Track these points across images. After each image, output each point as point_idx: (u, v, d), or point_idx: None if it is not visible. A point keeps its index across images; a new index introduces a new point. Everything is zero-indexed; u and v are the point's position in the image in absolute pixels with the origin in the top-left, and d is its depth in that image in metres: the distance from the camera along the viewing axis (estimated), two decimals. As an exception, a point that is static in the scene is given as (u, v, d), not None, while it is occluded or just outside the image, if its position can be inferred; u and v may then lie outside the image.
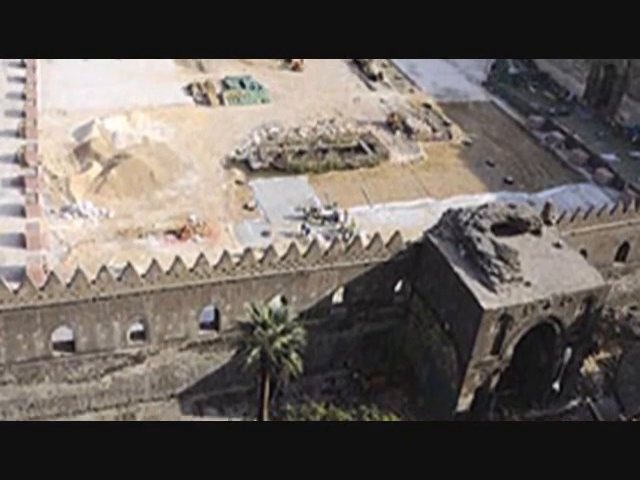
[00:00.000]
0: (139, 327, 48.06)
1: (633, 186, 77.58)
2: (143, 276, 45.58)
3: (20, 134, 72.89)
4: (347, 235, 64.73)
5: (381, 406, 49.72)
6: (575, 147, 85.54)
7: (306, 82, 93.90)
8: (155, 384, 50.23)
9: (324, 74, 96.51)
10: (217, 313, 49.35)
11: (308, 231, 65.31)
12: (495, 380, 50.27)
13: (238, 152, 76.17)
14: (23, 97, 79.13)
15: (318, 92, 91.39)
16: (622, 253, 61.16)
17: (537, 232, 52.10)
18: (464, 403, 50.17)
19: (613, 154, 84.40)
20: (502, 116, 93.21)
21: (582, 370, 56.41)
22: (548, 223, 53.33)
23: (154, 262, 45.81)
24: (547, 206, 54.53)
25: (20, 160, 68.91)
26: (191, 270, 46.54)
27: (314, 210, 68.47)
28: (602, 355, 59.51)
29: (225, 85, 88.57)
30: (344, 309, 52.97)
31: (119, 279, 45.10)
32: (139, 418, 49.77)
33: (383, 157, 78.97)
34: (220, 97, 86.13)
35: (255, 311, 45.69)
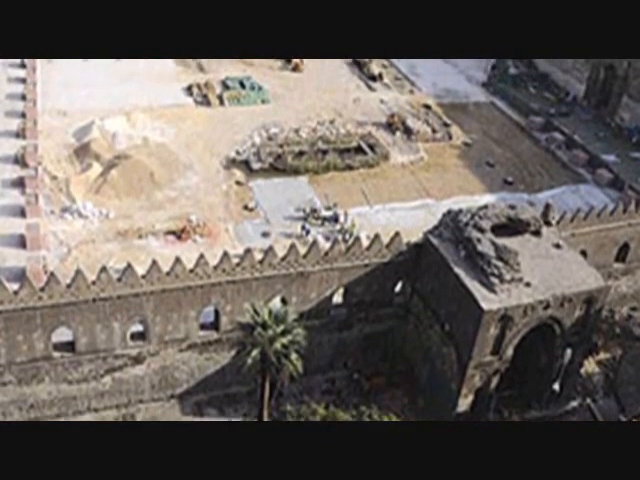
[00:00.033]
0: (139, 328, 48.05)
1: (633, 187, 77.60)
2: (143, 277, 45.58)
3: (20, 135, 72.91)
4: (347, 236, 64.73)
5: (381, 407, 49.69)
6: (575, 148, 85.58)
7: (306, 83, 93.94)
8: (155, 385, 50.23)
9: (324, 75, 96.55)
10: (217, 314, 49.35)
11: (308, 232, 65.31)
12: (495, 381, 50.27)
13: (238, 153, 76.19)
14: (23, 98, 79.16)
15: (318, 93, 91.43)
16: (622, 254, 61.17)
17: (537, 233, 52.10)
18: (464, 404, 50.16)
19: (613, 155, 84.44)
20: (502, 117, 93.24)
21: (582, 371, 56.41)
22: (548, 224, 53.33)
23: (154, 263, 45.80)
24: (547, 207, 54.53)
25: (20, 161, 68.92)
26: (191, 271, 46.53)
27: (314, 211, 68.48)
28: (602, 356, 59.51)
29: (225, 86, 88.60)
30: (344, 310, 52.96)
31: (119, 280, 45.10)
32: (139, 419, 49.77)
33: (383, 158, 78.98)
34: (220, 98, 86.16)
35: (255, 312, 45.69)
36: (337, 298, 52.44)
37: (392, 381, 54.73)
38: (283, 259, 48.62)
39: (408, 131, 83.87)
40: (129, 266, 45.35)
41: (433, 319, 51.51)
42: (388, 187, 75.10)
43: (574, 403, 55.28)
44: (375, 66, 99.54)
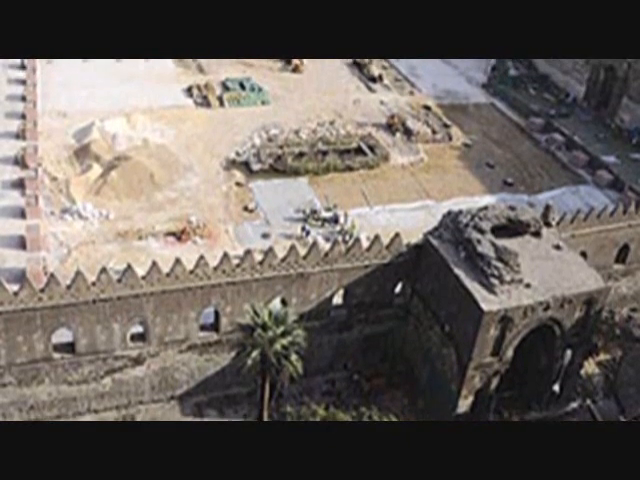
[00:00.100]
0: (139, 329, 48.04)
1: (633, 188, 77.63)
2: (143, 278, 45.56)
3: (20, 136, 72.94)
4: (347, 237, 64.75)
5: (381, 408, 49.64)
6: (575, 149, 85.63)
7: (306, 84, 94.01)
8: (155, 386, 50.20)
9: (324, 76, 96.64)
10: (217, 315, 49.34)
11: (308, 233, 65.31)
12: (495, 382, 50.24)
13: (238, 154, 76.22)
14: (23, 99, 79.22)
15: (318, 94, 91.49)
16: (622, 255, 61.16)
17: (537, 234, 52.08)
18: (464, 405, 50.14)
19: (613, 156, 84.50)
20: (502, 118, 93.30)
21: (582, 372, 56.37)
22: (548, 225, 53.32)
23: (154, 264, 45.79)
24: (547, 208, 54.51)
25: (20, 162, 68.93)
26: (191, 272, 46.52)
27: (314, 212, 68.48)
28: (602, 357, 59.47)
29: (225, 87, 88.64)
30: (344, 311, 52.95)
31: (119, 281, 45.09)
32: (139, 420, 49.71)
33: (383, 159, 79.01)
34: (220, 99, 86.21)
35: (255, 313, 45.69)
36: (337, 299, 52.43)
37: (392, 382, 54.71)
38: (283, 260, 48.61)
39: (408, 132, 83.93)
40: (129, 267, 45.34)
41: (433, 320, 51.50)
42: (388, 188, 75.12)
43: (574, 404, 55.26)
44: (375, 67, 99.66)
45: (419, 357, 53.54)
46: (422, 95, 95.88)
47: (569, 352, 51.61)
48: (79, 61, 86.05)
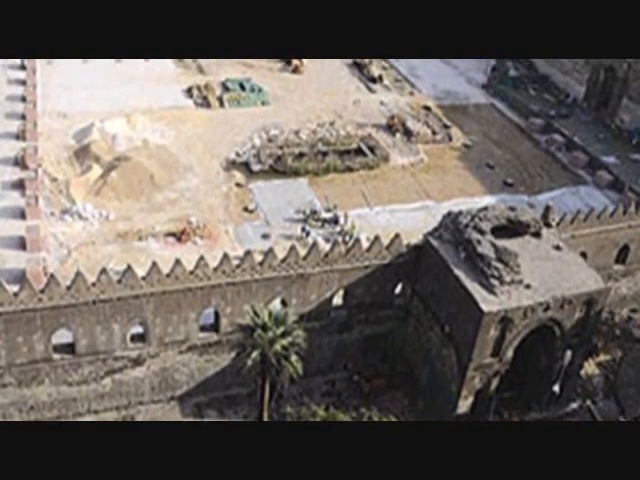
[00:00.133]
0: (139, 329, 48.03)
1: (633, 188, 77.65)
2: (143, 278, 45.57)
3: (20, 137, 72.96)
4: (347, 237, 64.74)
5: (381, 408, 49.64)
6: (575, 149, 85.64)
7: (306, 84, 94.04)
8: (155, 386, 50.21)
9: (324, 76, 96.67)
10: (217, 315, 49.34)
11: (308, 233, 65.32)
12: (495, 382, 50.24)
13: (238, 154, 76.23)
14: (23, 100, 79.22)
15: (318, 94, 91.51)
16: (622, 255, 61.17)
17: (537, 234, 52.09)
18: (464, 405, 50.14)
19: (613, 156, 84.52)
20: (502, 118, 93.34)
21: (582, 372, 56.37)
22: (548, 225, 53.33)
23: (154, 264, 45.79)
24: (547, 208, 54.52)
25: (20, 162, 68.93)
26: (191, 272, 46.52)
27: (314, 212, 68.48)
28: (602, 358, 59.48)
29: (225, 87, 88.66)
30: (344, 311, 52.96)
31: (119, 281, 45.10)
32: (139, 420, 49.70)
33: (383, 159, 79.02)
34: (220, 99, 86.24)
35: (255, 313, 45.70)
36: (337, 300, 52.43)
37: (392, 383, 54.71)
38: (283, 261, 48.62)
39: (408, 133, 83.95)
40: (129, 268, 45.35)
41: (433, 321, 51.50)
42: (388, 189, 75.13)
43: (574, 405, 55.27)
44: (375, 68, 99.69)
45: (419, 358, 53.54)
46: (422, 96, 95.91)
47: (569, 353, 51.60)
48: (79, 62, 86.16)
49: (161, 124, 79.74)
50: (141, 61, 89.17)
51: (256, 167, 74.47)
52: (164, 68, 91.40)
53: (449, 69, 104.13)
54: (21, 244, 59.07)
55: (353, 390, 54.18)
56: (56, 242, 60.90)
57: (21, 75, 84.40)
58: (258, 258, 49.08)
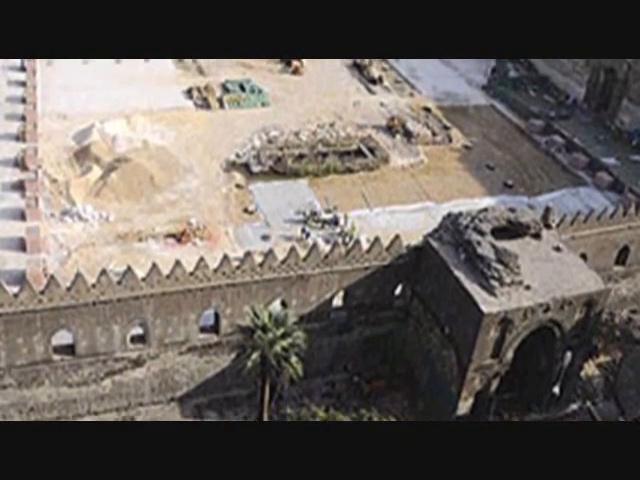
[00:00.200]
0: (139, 331, 48.03)
1: (633, 190, 77.65)
2: (143, 280, 45.57)
3: (20, 138, 72.95)
4: (347, 239, 64.70)
5: (381, 409, 49.62)
6: (575, 151, 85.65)
7: (306, 86, 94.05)
8: (155, 387, 50.19)
9: (324, 78, 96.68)
10: (217, 317, 49.33)
11: (308, 235, 65.31)
12: (495, 384, 50.23)
13: (238, 156, 76.24)
14: (23, 101, 79.22)
15: (318, 96, 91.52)
16: (622, 257, 61.18)
17: (537, 236, 52.09)
18: (464, 407, 50.12)
19: (613, 158, 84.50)
20: (502, 120, 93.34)
21: (582, 374, 56.37)
22: (548, 227, 53.33)
23: (154, 266, 45.80)
24: (547, 210, 54.52)
25: (20, 164, 68.93)
26: (191, 274, 46.53)
27: (314, 214, 68.48)
28: (602, 359, 59.47)
29: (225, 89, 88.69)
30: (344, 313, 52.95)
31: (119, 283, 45.10)
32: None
33: (383, 161, 79.03)
34: (220, 101, 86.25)
35: (255, 315, 45.68)
36: (337, 301, 52.44)
37: (392, 384, 54.70)
38: (283, 262, 48.62)
39: (408, 134, 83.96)
40: (129, 269, 45.36)
41: (433, 322, 51.50)
42: (388, 190, 75.14)
43: (574, 406, 55.26)
44: (375, 69, 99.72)
45: (419, 359, 53.54)
46: (422, 97, 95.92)
47: (569, 354, 51.58)
48: (79, 63, 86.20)
49: (161, 125, 79.76)
50: (141, 62, 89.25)
51: (256, 168, 74.48)
52: (164, 69, 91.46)
53: (449, 70, 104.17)
54: (21, 245, 59.06)
55: (353, 391, 54.17)
56: (56, 243, 60.89)
57: (21, 76, 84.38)
58: (258, 259, 49.08)
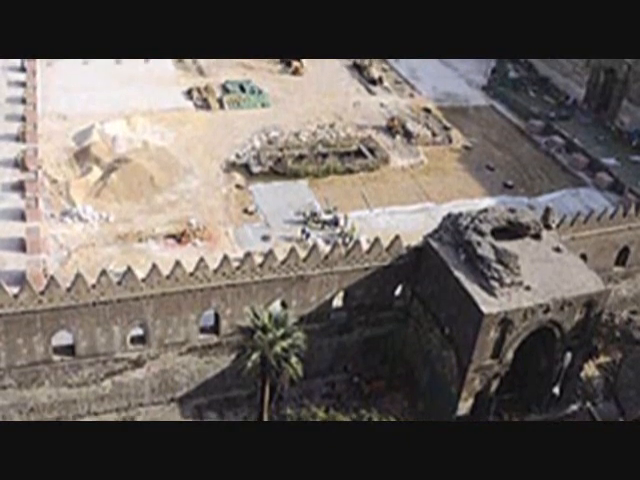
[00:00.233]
0: (139, 331, 48.02)
1: (633, 190, 77.66)
2: (143, 280, 45.57)
3: (20, 138, 72.95)
4: (347, 239, 64.69)
5: (381, 410, 49.63)
6: (575, 151, 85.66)
7: (306, 86, 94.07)
8: (155, 388, 50.18)
9: (324, 78, 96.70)
10: (217, 317, 49.33)
11: (308, 235, 65.31)
12: (495, 384, 50.23)
13: (238, 156, 76.24)
14: (23, 101, 79.23)
15: (318, 96, 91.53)
16: (622, 257, 61.17)
17: (537, 236, 52.09)
18: (464, 407, 50.12)
19: (613, 158, 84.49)
20: (502, 120, 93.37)
21: (582, 374, 56.36)
22: (548, 227, 53.34)
23: (154, 266, 45.80)
24: (547, 210, 54.53)
25: (20, 164, 68.93)
26: (191, 274, 46.52)
27: (314, 214, 68.48)
28: (602, 359, 59.46)
29: (225, 89, 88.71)
30: (344, 313, 52.95)
31: (119, 283, 45.09)
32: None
33: (383, 161, 79.03)
34: (220, 101, 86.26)
35: (255, 315, 45.68)
36: (337, 302, 52.43)
37: (392, 384, 54.70)
38: (283, 263, 48.61)
39: (408, 135, 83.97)
40: (129, 270, 45.35)
41: (433, 322, 51.50)
42: (388, 191, 75.15)
43: (574, 407, 55.25)
44: (375, 70, 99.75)
45: (419, 360, 53.53)
46: (422, 98, 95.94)
47: (569, 354, 51.56)
48: (79, 63, 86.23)
49: (161, 126, 79.76)
50: (141, 63, 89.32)
51: (256, 169, 74.49)
52: (164, 70, 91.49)
53: (449, 71, 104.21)
54: (21, 246, 59.06)
55: (353, 392, 54.16)
56: (56, 244, 60.89)
57: (21, 77, 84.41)
58: (258, 260, 49.09)
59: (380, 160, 78.81)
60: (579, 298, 48.90)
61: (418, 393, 53.62)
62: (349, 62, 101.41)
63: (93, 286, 44.53)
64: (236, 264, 48.08)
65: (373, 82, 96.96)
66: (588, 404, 55.74)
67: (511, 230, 51.51)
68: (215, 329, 49.90)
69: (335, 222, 67.79)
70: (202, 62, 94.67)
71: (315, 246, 50.43)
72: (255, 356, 44.60)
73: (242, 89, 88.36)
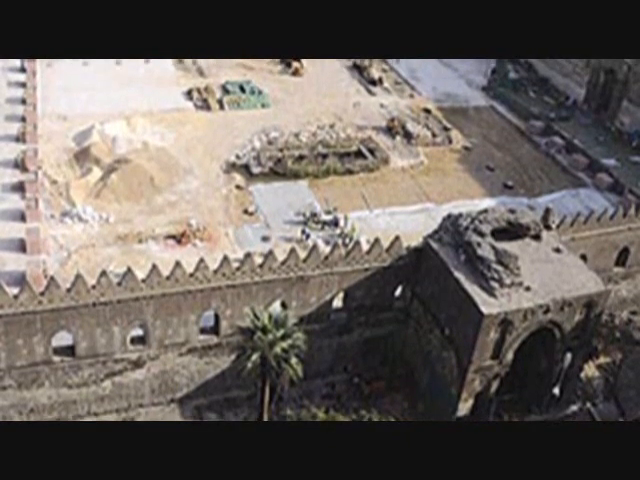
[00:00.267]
0: (139, 332, 48.02)
1: (633, 191, 77.66)
2: (143, 281, 45.56)
3: (20, 139, 72.94)
4: (347, 240, 64.68)
5: (381, 411, 49.66)
6: (575, 152, 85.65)
7: (306, 87, 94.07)
8: (155, 389, 50.17)
9: (324, 79, 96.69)
10: (217, 318, 49.32)
11: (308, 236, 65.30)
12: (495, 385, 50.22)
13: (238, 157, 76.24)
14: (23, 102, 79.23)
15: (318, 97, 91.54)
16: (622, 258, 61.18)
17: (537, 237, 52.09)
18: (464, 408, 50.11)
19: (613, 159, 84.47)
20: (502, 121, 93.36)
21: (582, 375, 56.35)
22: (548, 228, 53.33)
23: (154, 267, 45.80)
24: (547, 211, 54.53)
25: (20, 165, 68.92)
26: (191, 275, 46.51)
27: (314, 215, 68.47)
28: (602, 360, 59.45)
29: (225, 90, 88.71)
30: (344, 314, 52.94)
31: (119, 284, 45.09)
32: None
33: (383, 162, 79.03)
34: (220, 102, 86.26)
35: (255, 316, 45.68)
36: (337, 302, 52.41)
37: (392, 385, 54.67)
38: (283, 263, 48.60)
39: (408, 135, 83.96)
40: (129, 270, 45.34)
41: (433, 323, 51.49)
42: (388, 191, 75.15)
43: (574, 407, 55.23)
44: (375, 70, 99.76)
45: (419, 360, 53.52)
46: (422, 98, 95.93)
47: (569, 355, 51.56)
48: (79, 64, 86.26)
49: (161, 126, 79.76)
50: (141, 63, 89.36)
51: (256, 169, 74.49)
52: (164, 70, 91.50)
53: (449, 71, 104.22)
54: (21, 246, 59.05)
55: (353, 393, 54.14)
56: (56, 244, 60.88)
57: (21, 77, 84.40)
58: (258, 260, 49.09)
59: (380, 161, 78.82)
60: (579, 299, 48.90)
61: (418, 394, 53.61)
62: (349, 63, 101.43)
63: (93, 287, 44.53)
64: (236, 265, 48.07)
65: (373, 83, 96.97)
66: (588, 404, 55.72)
67: (511, 231, 51.51)
68: (215, 330, 49.89)
69: (335, 223, 67.79)
70: (202, 62, 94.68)
71: (315, 247, 50.43)
72: (255, 357, 44.60)
73: (242, 90, 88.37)
